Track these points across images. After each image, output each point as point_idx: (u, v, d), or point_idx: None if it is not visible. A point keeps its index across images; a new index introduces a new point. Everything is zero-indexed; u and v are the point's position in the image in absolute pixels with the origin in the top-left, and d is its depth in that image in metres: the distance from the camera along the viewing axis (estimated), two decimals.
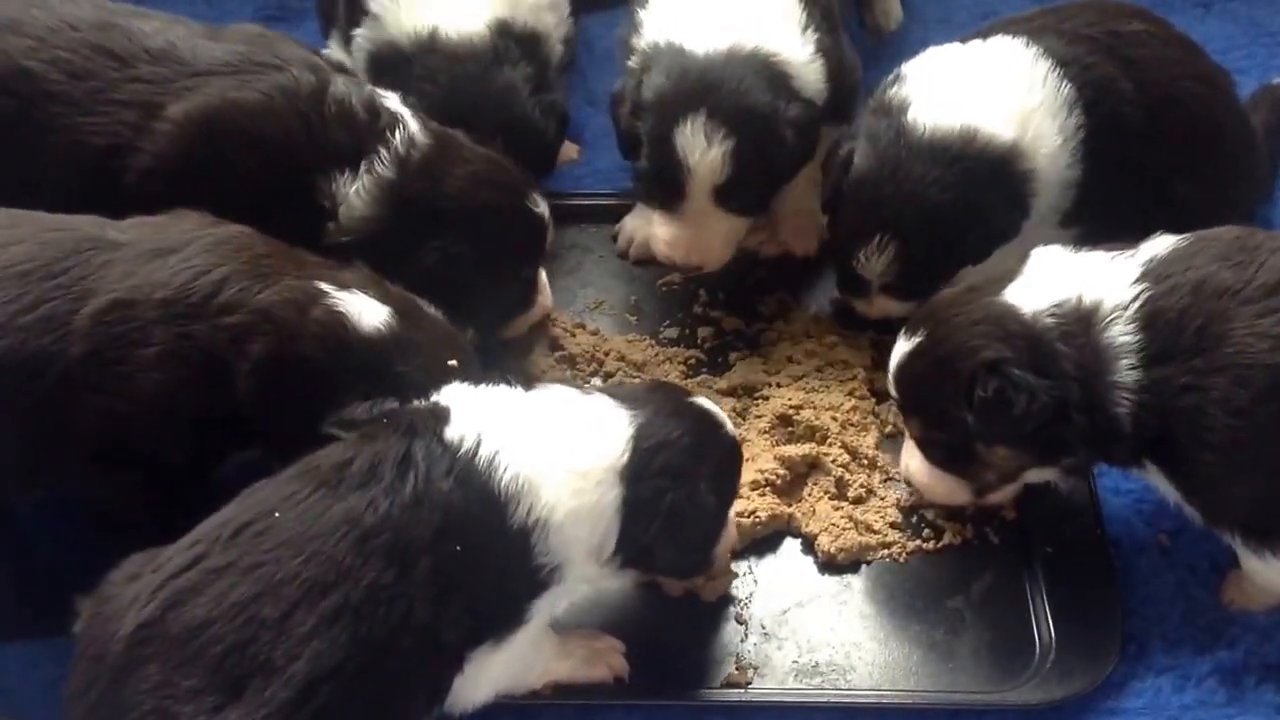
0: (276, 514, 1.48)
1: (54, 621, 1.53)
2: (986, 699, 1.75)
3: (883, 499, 1.97)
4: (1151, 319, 1.64)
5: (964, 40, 2.10)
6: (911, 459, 1.88)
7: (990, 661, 1.79)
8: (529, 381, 2.08)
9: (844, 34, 2.26)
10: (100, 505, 1.79)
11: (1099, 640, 1.77)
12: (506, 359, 2.14)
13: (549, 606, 1.59)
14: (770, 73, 2.04)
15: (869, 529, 1.92)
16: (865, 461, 2.00)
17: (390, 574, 1.45)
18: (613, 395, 1.65)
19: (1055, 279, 1.72)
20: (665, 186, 2.07)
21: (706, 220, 2.08)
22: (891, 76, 2.06)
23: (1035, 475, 1.82)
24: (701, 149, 1.99)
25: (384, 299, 1.74)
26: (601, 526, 1.57)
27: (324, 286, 1.71)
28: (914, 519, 1.95)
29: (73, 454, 1.68)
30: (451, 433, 1.54)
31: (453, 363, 1.72)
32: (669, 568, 1.71)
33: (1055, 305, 1.69)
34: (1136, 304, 1.65)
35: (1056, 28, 2.05)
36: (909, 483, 1.92)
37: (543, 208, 2.05)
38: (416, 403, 1.62)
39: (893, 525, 1.93)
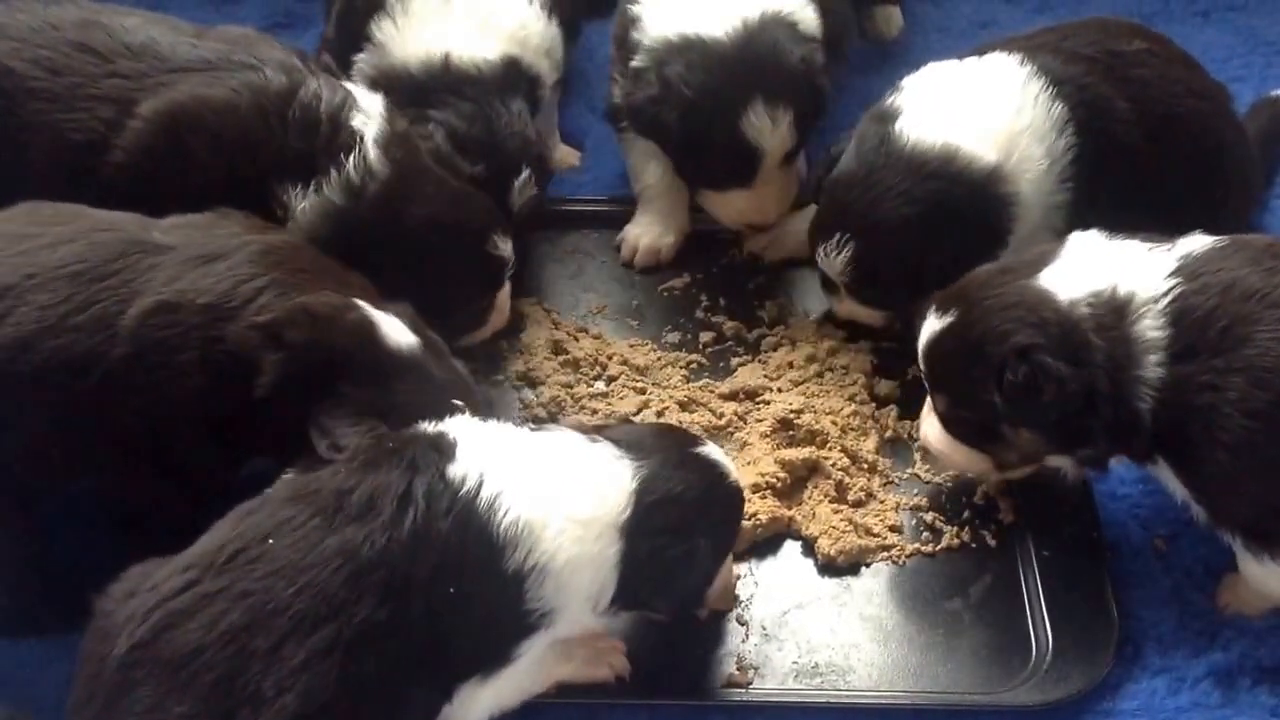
0: (270, 540, 1.47)
1: (70, 619, 1.54)
2: (984, 700, 1.76)
3: (882, 502, 1.99)
4: (1180, 316, 1.65)
5: (962, 56, 2.12)
6: (930, 427, 1.88)
7: (988, 663, 1.81)
8: (533, 385, 2.14)
9: None
10: (127, 504, 1.81)
11: (1095, 642, 1.79)
12: (509, 363, 2.16)
13: (539, 647, 1.58)
14: (784, 29, 2.15)
15: (868, 532, 1.94)
16: (865, 465, 2.02)
17: (383, 612, 1.44)
18: (618, 442, 1.63)
19: (1092, 267, 1.72)
20: (736, 169, 2.18)
21: (772, 182, 2.21)
22: (894, 87, 2.09)
23: (1056, 460, 1.82)
24: (769, 130, 2.11)
25: (416, 332, 1.75)
26: (600, 577, 1.56)
27: (358, 302, 1.72)
28: (913, 522, 1.97)
29: (108, 451, 1.70)
30: (454, 470, 1.52)
31: (457, 402, 1.72)
32: (662, 612, 1.70)
33: (1092, 294, 1.69)
34: (1168, 299, 1.66)
35: (1055, 46, 2.06)
36: (926, 449, 1.93)
37: (503, 249, 2.05)
38: (424, 427, 1.61)
39: (892, 528, 1.95)
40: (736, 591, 1.87)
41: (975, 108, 2.00)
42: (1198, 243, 1.72)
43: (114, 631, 1.45)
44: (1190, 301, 1.65)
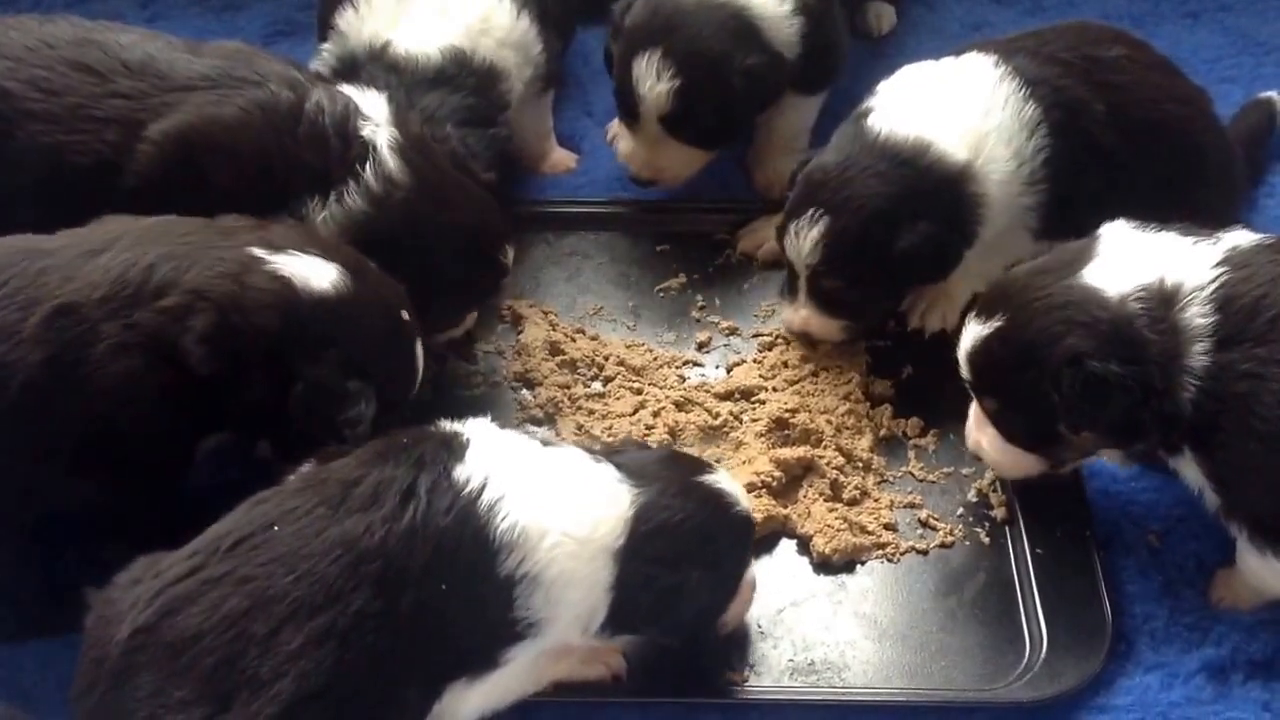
0: (275, 528, 1.50)
1: (68, 618, 1.55)
2: (978, 696, 1.77)
3: (877, 501, 2.00)
4: (1227, 303, 1.64)
5: (938, 59, 2.14)
6: (983, 435, 1.86)
7: (982, 660, 1.82)
8: (530, 385, 2.15)
9: (836, 9, 2.39)
10: (93, 514, 1.80)
11: (1088, 639, 1.80)
12: (507, 364, 2.18)
13: (528, 656, 1.58)
14: (736, 23, 2.21)
15: (863, 530, 1.95)
16: (860, 464, 2.03)
17: (378, 603, 1.45)
18: (622, 466, 1.63)
19: (1137, 260, 1.71)
20: (625, 106, 2.29)
21: (660, 144, 2.29)
22: (869, 94, 2.12)
23: (1109, 454, 1.82)
24: (651, 82, 2.20)
25: (327, 255, 1.74)
26: (591, 598, 1.56)
27: (258, 252, 1.70)
28: (908, 520, 1.98)
29: (53, 464, 1.69)
30: (460, 470, 1.54)
31: (405, 315, 1.74)
32: (663, 639, 1.69)
33: (1141, 288, 1.68)
34: (1214, 286, 1.65)
35: (1032, 49, 2.08)
36: (977, 456, 1.91)
37: (510, 258, 2.08)
38: (440, 426, 1.63)
39: (886, 526, 1.97)
40: None
41: (946, 107, 2.02)
42: (1244, 237, 1.73)
43: (118, 617, 1.46)
44: (1237, 289, 1.65)
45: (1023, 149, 2.01)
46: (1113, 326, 1.67)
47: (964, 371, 1.83)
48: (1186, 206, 1.83)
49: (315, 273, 1.71)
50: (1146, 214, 1.80)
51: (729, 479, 1.71)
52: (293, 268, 1.70)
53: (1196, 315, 1.65)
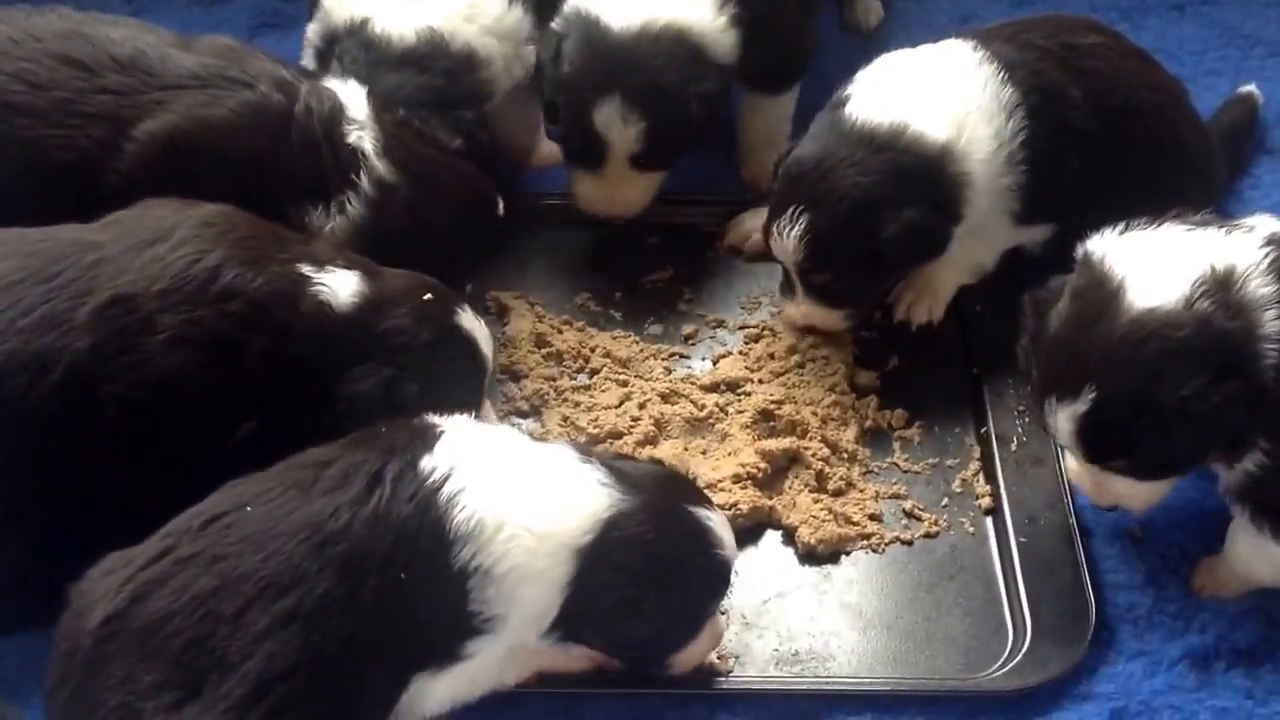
0: (248, 508, 1.50)
1: (50, 612, 1.53)
2: (962, 686, 1.78)
3: (862, 491, 2.00)
4: None
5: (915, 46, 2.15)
6: (1116, 488, 1.76)
7: (966, 649, 1.83)
8: (516, 378, 2.15)
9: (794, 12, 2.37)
10: (116, 500, 1.76)
11: (1071, 627, 1.81)
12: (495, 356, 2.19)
13: (494, 650, 1.56)
14: (681, 48, 2.16)
15: (848, 521, 1.96)
16: (845, 455, 2.04)
17: (343, 588, 1.45)
18: (615, 472, 1.60)
19: (1171, 260, 1.67)
20: (586, 153, 2.23)
21: (624, 179, 2.25)
22: (847, 82, 2.12)
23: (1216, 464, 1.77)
24: (619, 128, 2.15)
25: (349, 264, 1.78)
26: (545, 597, 1.54)
27: (306, 271, 1.75)
28: (892, 510, 1.99)
29: (92, 448, 1.68)
30: (427, 460, 1.54)
31: (428, 296, 1.78)
32: (611, 653, 1.67)
33: (1197, 283, 1.62)
34: (1269, 260, 1.63)
35: (1010, 37, 2.09)
36: (1110, 507, 1.81)
37: (501, 211, 2.10)
38: (421, 419, 1.63)
39: (871, 517, 1.97)
40: None
41: (924, 89, 2.03)
42: (1273, 221, 1.72)
43: (89, 608, 1.46)
44: None
45: (1002, 130, 2.01)
46: (1197, 338, 1.60)
47: (1080, 455, 1.73)
48: (1164, 192, 1.83)
49: (343, 287, 1.75)
50: (1127, 197, 1.80)
51: (723, 521, 1.66)
52: (329, 287, 1.74)
53: (1260, 286, 1.62)
